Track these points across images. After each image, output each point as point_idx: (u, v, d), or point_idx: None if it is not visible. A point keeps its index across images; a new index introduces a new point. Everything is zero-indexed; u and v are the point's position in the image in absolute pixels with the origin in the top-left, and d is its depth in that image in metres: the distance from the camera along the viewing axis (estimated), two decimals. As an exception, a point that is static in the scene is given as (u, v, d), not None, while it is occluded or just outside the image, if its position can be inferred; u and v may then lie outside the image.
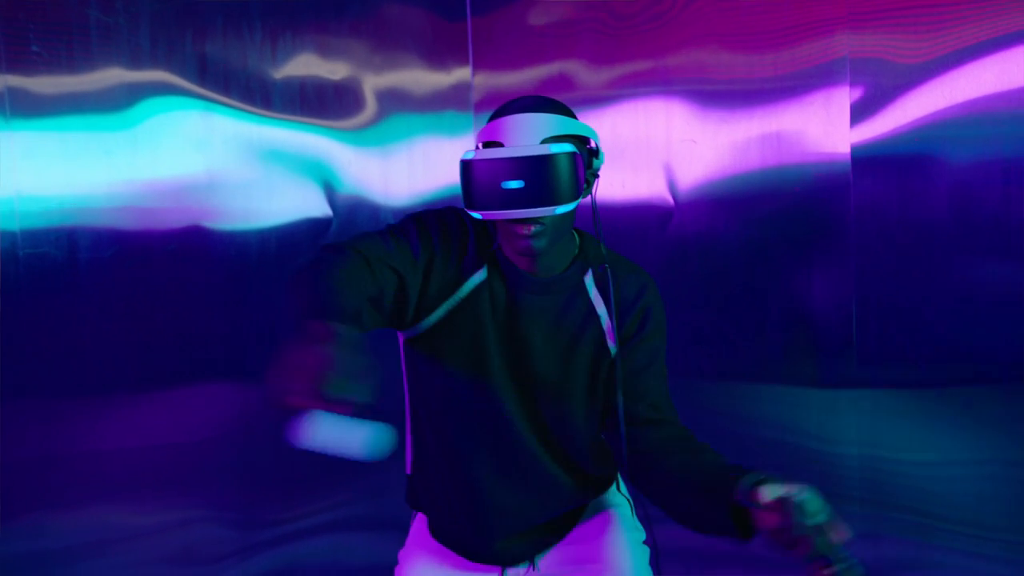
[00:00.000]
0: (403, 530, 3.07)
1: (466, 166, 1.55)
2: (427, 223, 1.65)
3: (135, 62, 2.51)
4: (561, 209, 1.54)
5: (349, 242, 1.60)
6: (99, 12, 2.46)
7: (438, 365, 1.69)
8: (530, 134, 1.55)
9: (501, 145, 1.56)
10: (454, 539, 1.83)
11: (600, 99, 2.64)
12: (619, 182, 2.59)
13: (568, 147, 1.53)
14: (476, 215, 1.57)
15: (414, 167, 3.04)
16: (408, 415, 1.81)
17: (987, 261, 1.92)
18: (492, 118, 1.62)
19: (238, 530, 2.71)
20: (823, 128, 2.15)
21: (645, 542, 1.84)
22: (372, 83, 2.93)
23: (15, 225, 2.38)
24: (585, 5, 2.70)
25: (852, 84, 2.10)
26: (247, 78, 2.69)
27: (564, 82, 2.80)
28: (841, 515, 2.23)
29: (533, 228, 1.56)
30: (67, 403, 2.48)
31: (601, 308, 1.68)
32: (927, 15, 1.97)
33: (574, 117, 1.63)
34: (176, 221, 2.59)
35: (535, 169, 1.51)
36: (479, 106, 3.08)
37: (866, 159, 2.11)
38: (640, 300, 1.69)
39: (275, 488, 2.77)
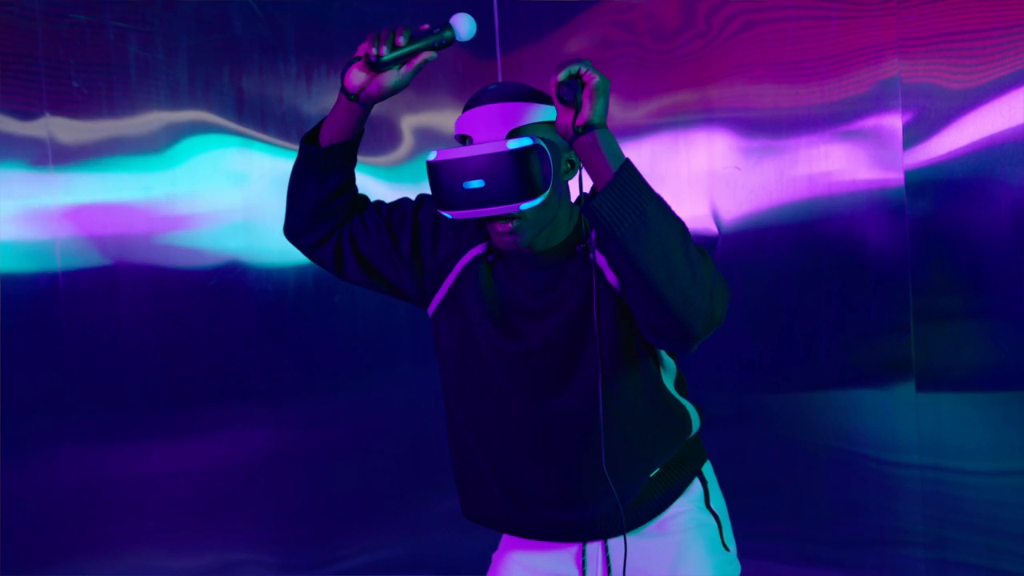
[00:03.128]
0: (443, 572, 3.03)
1: (430, 167, 1.53)
2: (424, 206, 1.71)
3: (174, 99, 2.50)
4: (527, 205, 1.50)
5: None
6: (138, 48, 2.45)
7: (450, 343, 1.69)
8: (496, 126, 1.51)
9: (470, 139, 1.53)
10: (509, 523, 1.76)
11: (637, 129, 2.63)
12: (659, 212, 2.57)
13: (526, 140, 1.47)
14: (446, 215, 1.55)
15: (446, 201, 3.04)
16: (445, 410, 1.77)
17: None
18: (465, 108, 1.59)
19: (277, 573, 2.65)
20: (875, 153, 2.15)
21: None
22: (406, 119, 2.94)
23: (56, 266, 2.35)
24: (618, 38, 2.71)
25: (904, 109, 2.11)
26: (283, 113, 2.68)
27: (599, 114, 2.80)
28: (903, 533, 2.22)
29: (512, 224, 1.53)
30: (107, 441, 2.44)
31: (601, 259, 1.60)
32: (981, 39, 1.97)
33: (547, 101, 1.57)
34: (214, 258, 2.57)
35: (493, 167, 1.48)
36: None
37: (921, 183, 2.10)
38: None
39: (313, 526, 2.73)
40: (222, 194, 2.59)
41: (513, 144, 1.48)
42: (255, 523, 2.63)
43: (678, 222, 1.42)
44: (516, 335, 1.64)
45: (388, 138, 2.90)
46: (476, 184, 1.49)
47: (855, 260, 2.20)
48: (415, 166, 2.95)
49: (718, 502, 1.80)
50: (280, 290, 2.67)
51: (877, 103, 2.14)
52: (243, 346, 2.63)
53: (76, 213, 2.39)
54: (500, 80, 1.49)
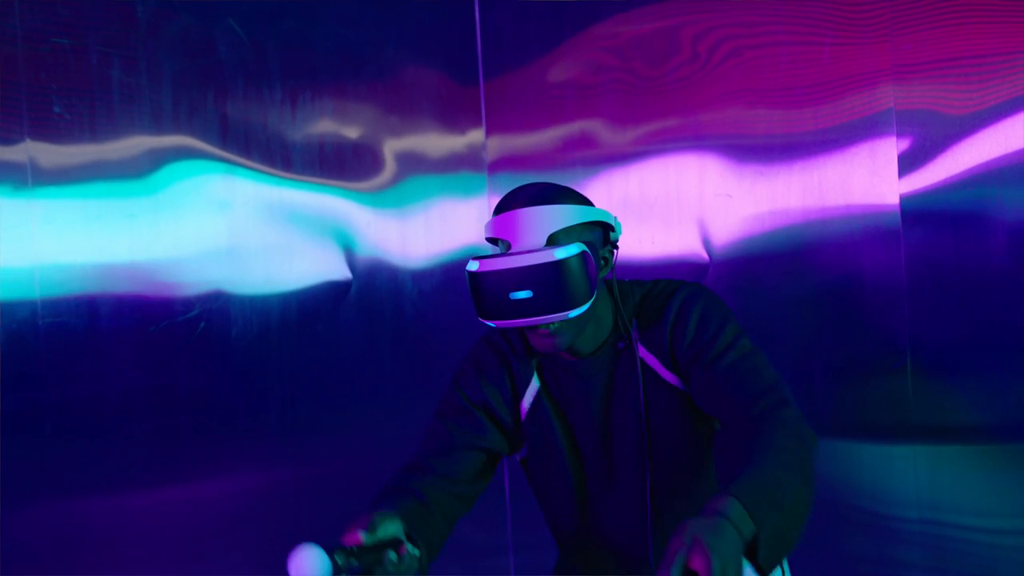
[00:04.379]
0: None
1: (472, 277, 1.50)
2: (465, 381, 1.67)
3: (157, 124, 2.45)
4: (574, 313, 1.48)
5: (420, 461, 1.63)
6: (121, 72, 2.40)
7: (541, 482, 1.69)
8: (535, 232, 1.48)
9: (508, 243, 1.50)
10: None
11: (626, 156, 2.63)
12: (648, 239, 2.57)
13: (575, 248, 1.46)
14: (490, 324, 1.52)
15: (431, 228, 3.01)
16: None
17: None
18: (497, 211, 1.55)
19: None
20: (869, 179, 2.16)
21: None
22: (389, 144, 2.91)
23: (35, 293, 2.28)
24: (606, 63, 2.71)
25: (899, 135, 2.12)
26: (268, 139, 2.64)
27: (585, 141, 2.80)
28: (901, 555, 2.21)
29: (552, 328, 1.52)
30: (86, 477, 2.36)
31: (643, 351, 1.61)
32: (976, 66, 1.99)
33: (583, 201, 1.57)
34: (198, 286, 2.51)
35: (542, 278, 1.45)
36: (493, 167, 3.07)
37: (917, 209, 2.11)
38: (665, 312, 1.59)
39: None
40: (206, 221, 2.54)
41: (560, 253, 1.46)
42: (239, 559, 2.56)
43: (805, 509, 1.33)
44: (601, 448, 1.63)
45: (371, 163, 2.87)
46: (523, 295, 1.46)
47: (849, 288, 2.21)
48: (398, 191, 2.92)
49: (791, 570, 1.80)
50: (264, 320, 2.62)
51: (871, 130, 2.15)
52: (226, 377, 2.57)
53: (56, 239, 2.33)
54: (528, 183, 1.47)
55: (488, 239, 1.58)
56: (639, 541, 1.64)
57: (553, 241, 1.50)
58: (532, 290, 1.45)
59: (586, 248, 1.48)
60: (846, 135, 2.22)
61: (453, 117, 3.06)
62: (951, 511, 2.12)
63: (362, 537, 1.37)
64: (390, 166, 2.92)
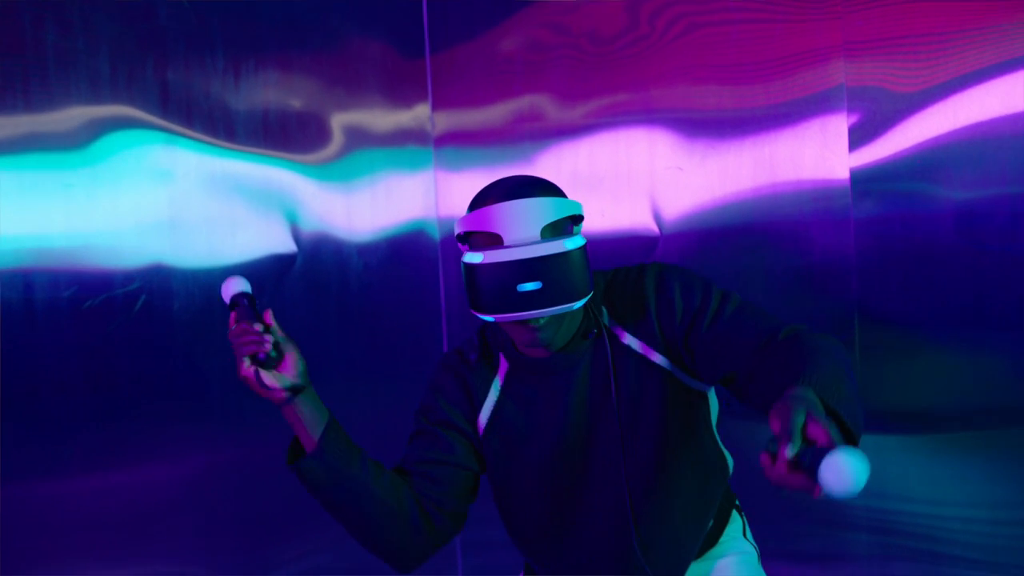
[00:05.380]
0: (369, 574, 2.95)
1: (473, 270, 1.47)
2: (426, 407, 1.70)
3: (95, 91, 2.36)
4: (579, 304, 1.48)
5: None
6: (56, 35, 2.30)
7: (507, 490, 1.69)
8: (529, 224, 1.46)
9: (498, 237, 1.47)
10: None
11: (575, 129, 2.62)
12: (598, 212, 2.57)
13: (580, 239, 1.47)
14: (488, 318, 1.49)
15: (376, 202, 2.97)
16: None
17: (995, 282, 1.97)
18: (479, 204, 1.52)
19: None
20: (820, 153, 2.18)
21: None
22: (334, 116, 2.86)
23: (-33, 267, 2.19)
24: (556, 37, 2.69)
25: (850, 111, 2.15)
26: (210, 109, 2.57)
27: (534, 115, 2.78)
28: (848, 543, 2.25)
29: (542, 322, 1.51)
30: (25, 455, 2.28)
31: (627, 338, 1.60)
32: (927, 43, 2.02)
33: (563, 194, 1.56)
34: (137, 260, 2.43)
35: (552, 269, 1.44)
36: (440, 141, 3.04)
37: (866, 183, 2.14)
38: (643, 295, 1.59)
39: (241, 536, 2.61)
40: (146, 193, 2.46)
41: (570, 244, 1.45)
42: (185, 542, 2.50)
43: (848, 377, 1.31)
44: (570, 454, 1.62)
45: (316, 135, 2.81)
46: (532, 286, 1.44)
47: (799, 261, 2.23)
48: (344, 165, 2.87)
49: (749, 533, 1.83)
50: (207, 294, 2.55)
51: (822, 105, 2.17)
52: (168, 354, 2.50)
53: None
54: (511, 175, 1.46)
55: (464, 234, 1.53)
56: (619, 535, 1.64)
57: (545, 233, 1.48)
58: (541, 281, 1.44)
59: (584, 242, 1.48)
60: (797, 110, 2.24)
61: (399, 90, 3.01)
62: (896, 499, 2.17)
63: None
64: (335, 139, 2.87)
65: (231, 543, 2.60)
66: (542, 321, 1.50)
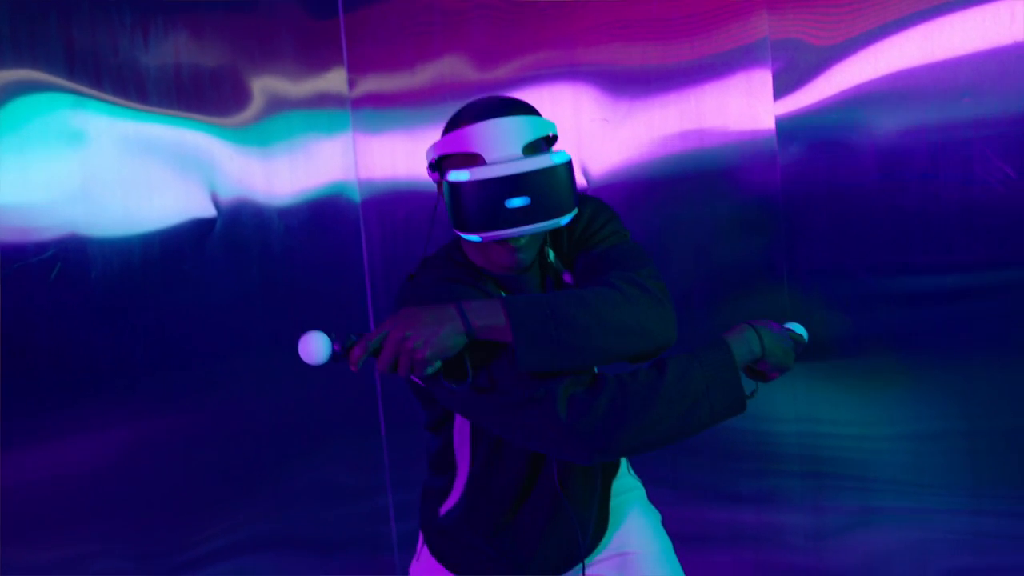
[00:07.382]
0: (308, 546, 2.91)
1: (459, 188, 1.44)
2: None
3: (-4, 51, 2.24)
4: (565, 219, 1.48)
5: None
6: (-48, -7, 2.17)
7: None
8: (509, 142, 1.44)
9: (478, 157, 1.46)
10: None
11: (498, 87, 2.60)
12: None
13: (565, 155, 1.47)
14: (474, 238, 1.48)
15: (295, 165, 2.91)
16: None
17: (916, 215, 2.05)
18: (455, 126, 1.51)
19: (135, 561, 2.46)
20: (746, 103, 2.23)
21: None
22: (250, 79, 2.78)
23: None
24: (475, -7, 2.66)
25: (774, 61, 2.20)
26: (119, 68, 2.46)
27: (455, 74, 2.75)
28: (781, 489, 2.34)
29: (523, 241, 1.51)
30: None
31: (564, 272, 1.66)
32: (848, -6, 2.09)
33: (538, 113, 1.56)
34: (51, 229, 2.32)
35: (542, 184, 1.43)
36: (357, 103, 2.99)
37: (791, 130, 2.19)
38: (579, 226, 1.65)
39: (170, 511, 2.55)
40: (55, 158, 2.35)
41: (557, 158, 1.44)
42: (111, 514, 2.42)
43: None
44: None
45: (235, 98, 2.73)
46: (520, 202, 1.42)
47: (729, 207, 2.28)
48: (261, 128, 2.80)
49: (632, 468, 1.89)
50: (125, 260, 2.46)
51: (746, 57, 2.21)
52: (87, 324, 2.41)
53: None
54: (485, 95, 1.45)
55: (436, 160, 1.50)
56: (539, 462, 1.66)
57: (527, 151, 1.47)
58: (530, 196, 1.42)
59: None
60: (722, 63, 2.28)
61: (314, 51, 2.95)
62: (827, 423, 2.25)
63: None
64: (252, 102, 2.79)
65: (163, 518, 2.53)
66: (523, 241, 1.50)
